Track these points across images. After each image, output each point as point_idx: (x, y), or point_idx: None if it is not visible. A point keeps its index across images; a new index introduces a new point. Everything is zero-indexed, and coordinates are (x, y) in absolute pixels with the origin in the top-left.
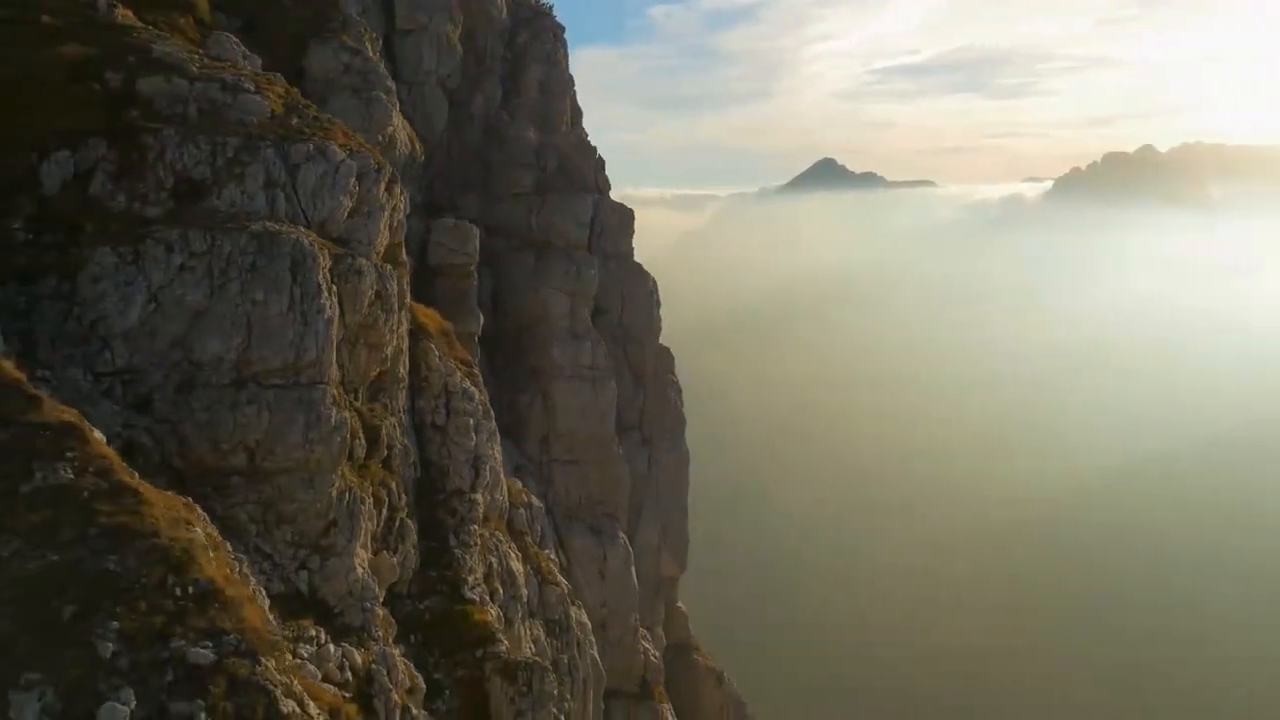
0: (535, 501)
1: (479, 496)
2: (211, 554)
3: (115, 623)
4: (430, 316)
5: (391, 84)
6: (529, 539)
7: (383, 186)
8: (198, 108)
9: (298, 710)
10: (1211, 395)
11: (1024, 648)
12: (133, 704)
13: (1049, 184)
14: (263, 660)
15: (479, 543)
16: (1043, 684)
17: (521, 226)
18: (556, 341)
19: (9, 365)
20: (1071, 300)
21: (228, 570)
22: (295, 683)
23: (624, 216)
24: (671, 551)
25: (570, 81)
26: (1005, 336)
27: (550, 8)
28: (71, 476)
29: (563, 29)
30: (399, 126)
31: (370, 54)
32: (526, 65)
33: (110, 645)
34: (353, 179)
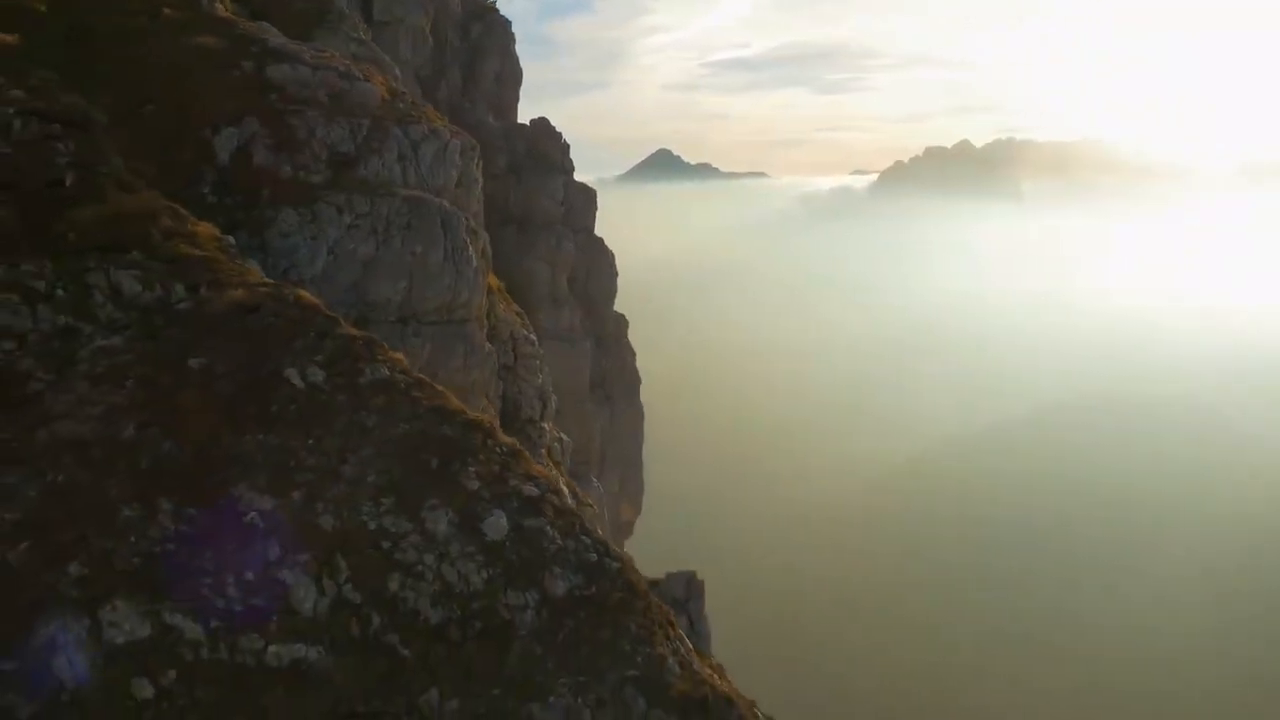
0: (564, 437)
1: (546, 425)
2: None
3: (472, 468)
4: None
5: (398, 71)
6: (564, 467)
7: (475, 162)
8: (326, 92)
9: (597, 533)
10: (1030, 376)
11: (854, 616)
12: (504, 519)
13: (875, 176)
14: (563, 496)
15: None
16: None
17: (501, 204)
18: (541, 307)
19: (306, 294)
20: (898, 286)
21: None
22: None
23: (589, 195)
24: (629, 497)
25: (521, 73)
26: (838, 322)
27: (494, 2)
28: (388, 373)
29: (509, 22)
30: None
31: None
32: (483, 57)
33: (475, 482)
34: (458, 155)
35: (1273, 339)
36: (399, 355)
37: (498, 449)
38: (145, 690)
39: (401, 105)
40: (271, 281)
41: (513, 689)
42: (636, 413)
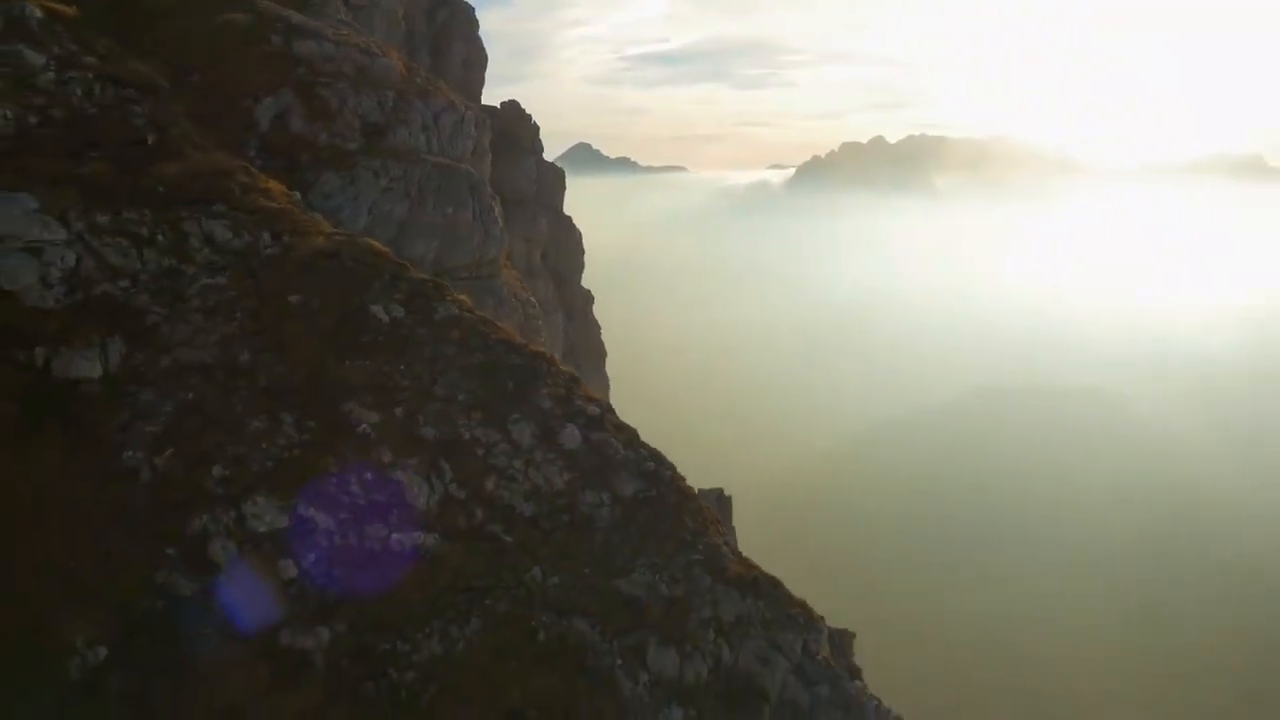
0: None
1: None
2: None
3: (543, 390)
4: None
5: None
6: None
7: (486, 134)
8: (352, 66)
9: (651, 447)
10: (943, 368)
11: None
12: (576, 431)
13: (792, 171)
14: (616, 416)
15: None
16: None
17: None
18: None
19: (376, 243)
20: (815, 281)
21: None
22: None
23: (558, 174)
24: None
25: (486, 58)
26: (755, 317)
27: None
28: (457, 311)
29: (472, 8)
30: None
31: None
32: (449, 41)
33: (548, 402)
34: (473, 127)
35: (1176, 328)
36: (463, 297)
37: (560, 376)
38: (290, 570)
39: (419, 80)
40: (344, 232)
41: (600, 568)
42: (603, 382)
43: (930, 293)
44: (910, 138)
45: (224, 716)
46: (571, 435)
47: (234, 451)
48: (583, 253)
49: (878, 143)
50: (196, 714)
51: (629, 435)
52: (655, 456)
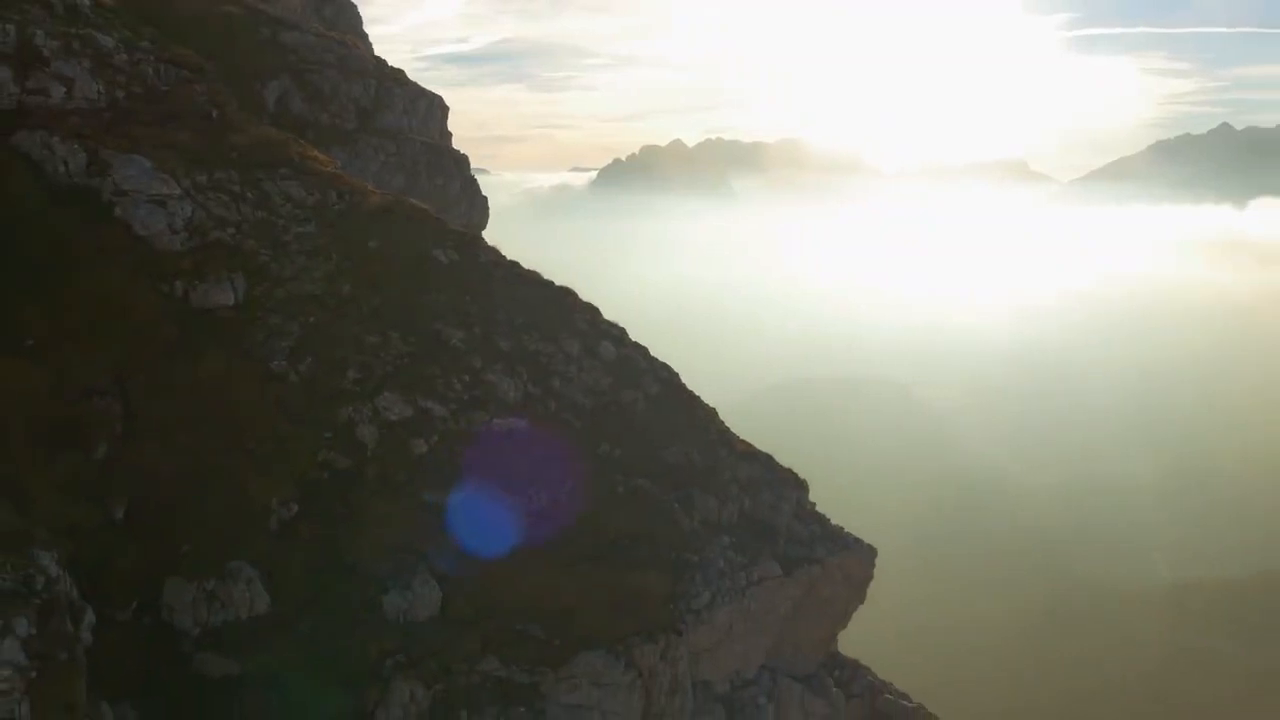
0: None
1: None
2: None
3: (576, 315)
4: None
5: None
6: None
7: (446, 117)
8: (334, 56)
9: (660, 361)
10: (740, 364)
11: None
12: (611, 347)
13: (594, 173)
14: (628, 337)
15: None
16: None
17: None
18: None
19: (416, 201)
20: (619, 280)
21: None
22: None
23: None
24: None
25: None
26: None
27: None
28: (494, 256)
29: (355, 6)
30: None
31: None
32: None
33: (584, 324)
34: (438, 110)
35: (953, 322)
36: (494, 245)
37: (584, 305)
38: (420, 448)
39: (387, 68)
40: (391, 192)
41: (646, 445)
42: None
43: (729, 292)
44: (707, 141)
45: (389, 551)
46: (607, 349)
47: (359, 360)
48: None
49: (676, 146)
50: (367, 549)
51: (644, 351)
52: (666, 368)
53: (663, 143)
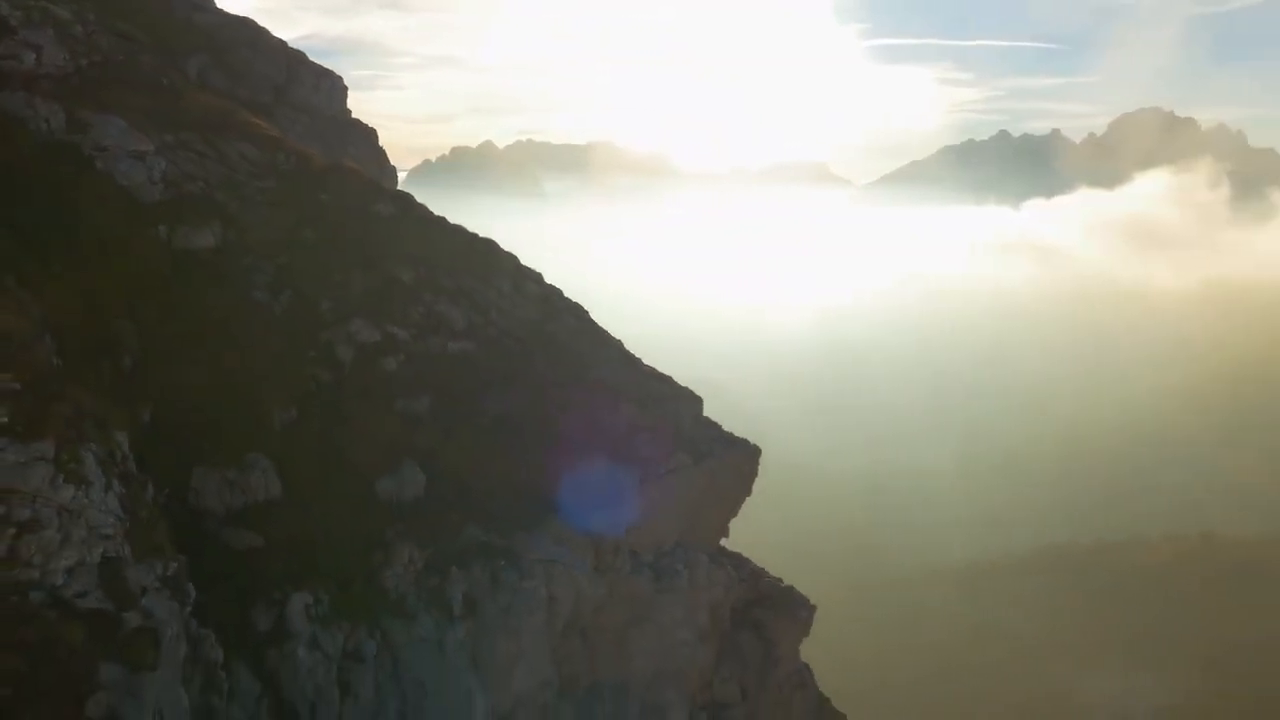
0: None
1: None
2: None
3: (501, 259)
4: None
5: None
6: None
7: (346, 96)
8: (246, 36)
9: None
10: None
11: None
12: (534, 286)
13: (404, 174)
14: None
15: None
16: None
17: None
18: None
19: (352, 162)
20: None
21: None
22: None
23: None
24: None
25: None
26: None
27: None
28: (426, 212)
29: None
30: None
31: None
32: None
33: (509, 266)
34: (340, 89)
35: (762, 320)
36: (422, 203)
37: (506, 253)
38: (391, 365)
39: (291, 50)
40: (326, 155)
41: (576, 363)
42: None
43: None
44: (518, 142)
45: (378, 446)
46: (531, 288)
47: (329, 294)
48: None
49: (487, 147)
50: (360, 446)
51: (559, 292)
52: (579, 306)
53: (473, 144)
